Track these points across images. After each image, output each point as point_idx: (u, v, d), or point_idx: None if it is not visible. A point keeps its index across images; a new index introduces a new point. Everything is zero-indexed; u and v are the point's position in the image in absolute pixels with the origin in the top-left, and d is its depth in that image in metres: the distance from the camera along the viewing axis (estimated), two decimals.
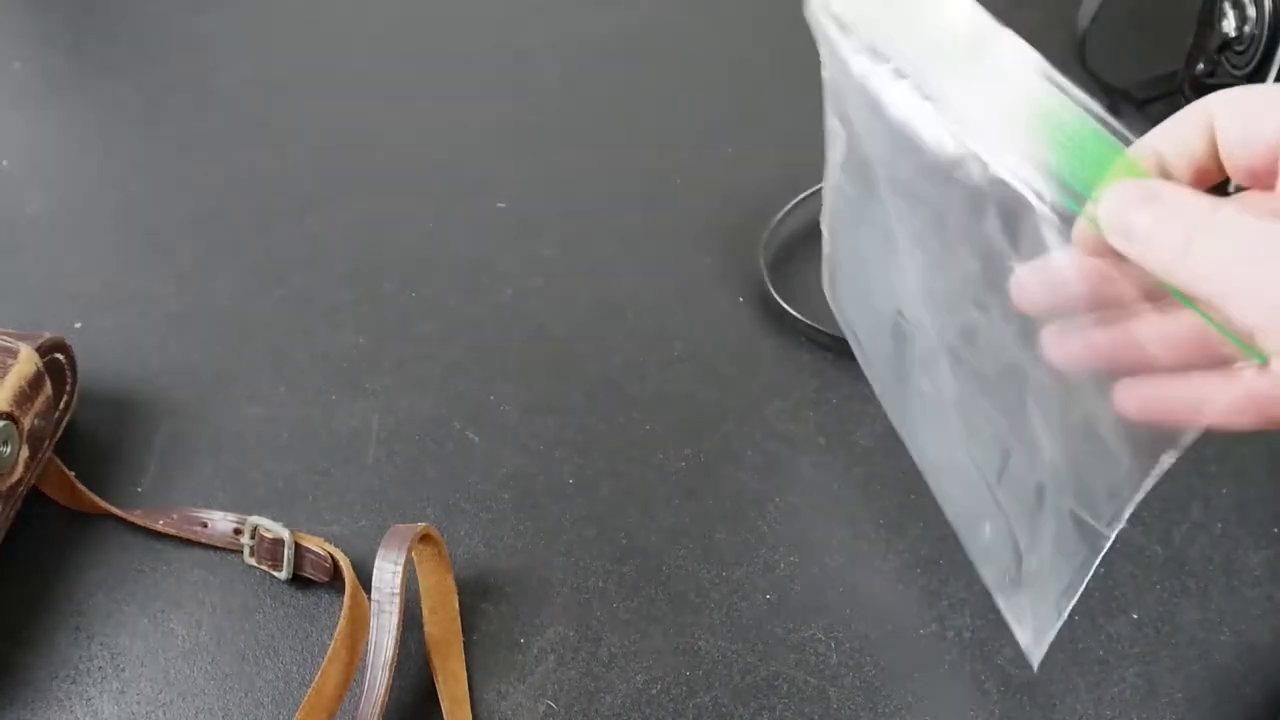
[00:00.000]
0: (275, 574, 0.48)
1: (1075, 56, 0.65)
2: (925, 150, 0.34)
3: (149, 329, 0.58)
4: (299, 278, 0.61)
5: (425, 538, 0.45)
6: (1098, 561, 0.35)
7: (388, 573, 0.43)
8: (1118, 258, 0.31)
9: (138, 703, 0.45)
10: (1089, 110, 0.31)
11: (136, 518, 0.50)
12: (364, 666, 0.43)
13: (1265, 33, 0.57)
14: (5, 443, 0.46)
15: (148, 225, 0.64)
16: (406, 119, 0.70)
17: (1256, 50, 0.58)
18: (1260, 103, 0.31)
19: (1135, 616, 0.47)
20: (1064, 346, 0.35)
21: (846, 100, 0.40)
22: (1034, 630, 0.41)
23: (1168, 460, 0.32)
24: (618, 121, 0.69)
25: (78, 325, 0.58)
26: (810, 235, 0.63)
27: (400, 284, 0.61)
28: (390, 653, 0.43)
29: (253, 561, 0.48)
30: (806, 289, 0.59)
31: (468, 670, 0.45)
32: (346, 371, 0.56)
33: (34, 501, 0.51)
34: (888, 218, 0.40)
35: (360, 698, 0.42)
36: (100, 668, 0.46)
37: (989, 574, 0.44)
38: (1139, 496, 0.33)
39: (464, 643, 0.46)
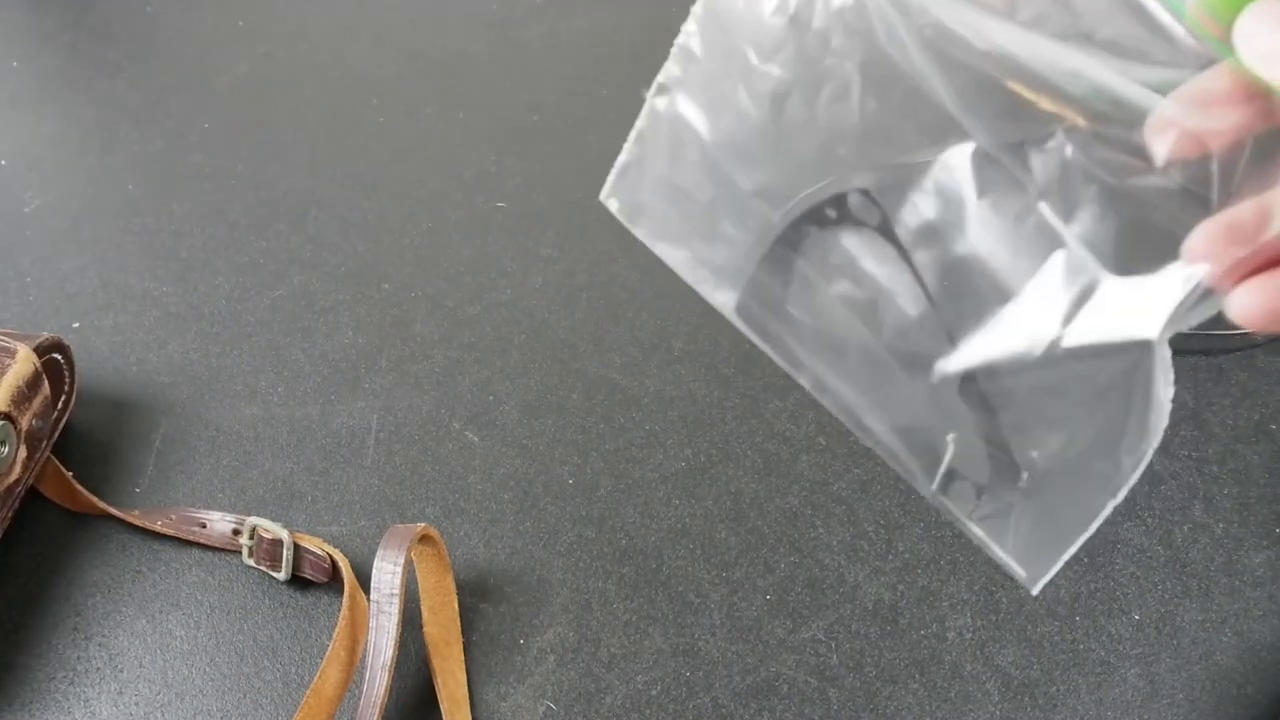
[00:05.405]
0: (274, 574, 0.48)
1: None
2: None
3: (147, 329, 0.58)
4: (298, 277, 0.61)
5: (425, 538, 0.45)
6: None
7: (387, 573, 0.43)
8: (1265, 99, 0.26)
9: (136, 703, 0.45)
10: None
11: (135, 518, 0.49)
12: (363, 667, 0.43)
13: None
14: (3, 443, 0.46)
15: (146, 225, 0.64)
16: (406, 119, 0.70)
17: None
18: None
19: (1137, 617, 0.47)
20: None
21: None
22: (1035, 546, 0.34)
23: None
24: (618, 121, 0.69)
25: (76, 325, 0.58)
26: None
27: (399, 283, 0.60)
28: (389, 653, 0.43)
29: (251, 562, 0.48)
30: None
31: (467, 671, 0.45)
32: (345, 371, 0.56)
33: (32, 502, 0.50)
34: None
35: (359, 698, 0.42)
36: (98, 668, 0.46)
37: (957, 499, 0.37)
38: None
39: (464, 643, 0.46)
